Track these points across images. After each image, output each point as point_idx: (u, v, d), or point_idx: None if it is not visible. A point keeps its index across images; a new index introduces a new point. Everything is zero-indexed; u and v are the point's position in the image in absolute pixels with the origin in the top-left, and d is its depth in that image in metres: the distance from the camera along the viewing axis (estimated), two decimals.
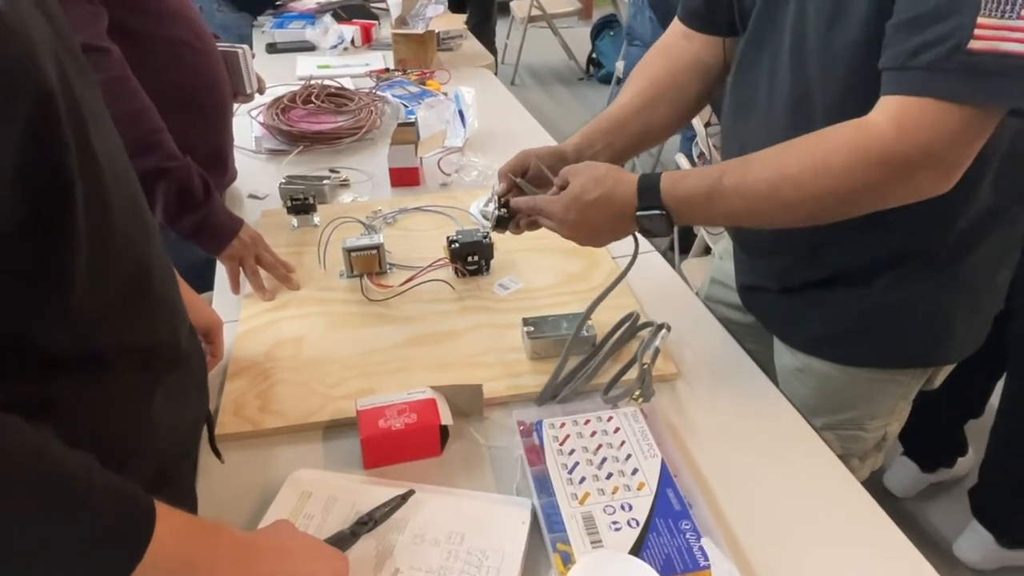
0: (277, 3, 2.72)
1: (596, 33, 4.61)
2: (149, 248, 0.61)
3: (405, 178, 1.46)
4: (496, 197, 0.95)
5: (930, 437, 1.73)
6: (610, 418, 0.86)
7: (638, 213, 0.80)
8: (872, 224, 0.77)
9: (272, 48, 2.35)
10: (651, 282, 1.17)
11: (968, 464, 1.80)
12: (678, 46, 1.02)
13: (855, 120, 0.71)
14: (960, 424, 1.74)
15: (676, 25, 1.04)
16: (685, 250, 2.47)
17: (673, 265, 2.52)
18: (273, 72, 2.11)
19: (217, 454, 0.81)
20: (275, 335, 1.04)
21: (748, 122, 0.91)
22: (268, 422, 0.89)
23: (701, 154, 2.20)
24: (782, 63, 0.83)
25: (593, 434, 0.84)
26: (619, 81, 3.51)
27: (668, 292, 1.18)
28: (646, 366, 0.89)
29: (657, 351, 0.93)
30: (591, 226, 0.84)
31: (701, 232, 1.90)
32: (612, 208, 0.81)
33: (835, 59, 0.76)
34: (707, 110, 2.13)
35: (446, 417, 0.85)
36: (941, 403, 1.63)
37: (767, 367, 1.04)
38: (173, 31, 1.13)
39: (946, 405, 1.60)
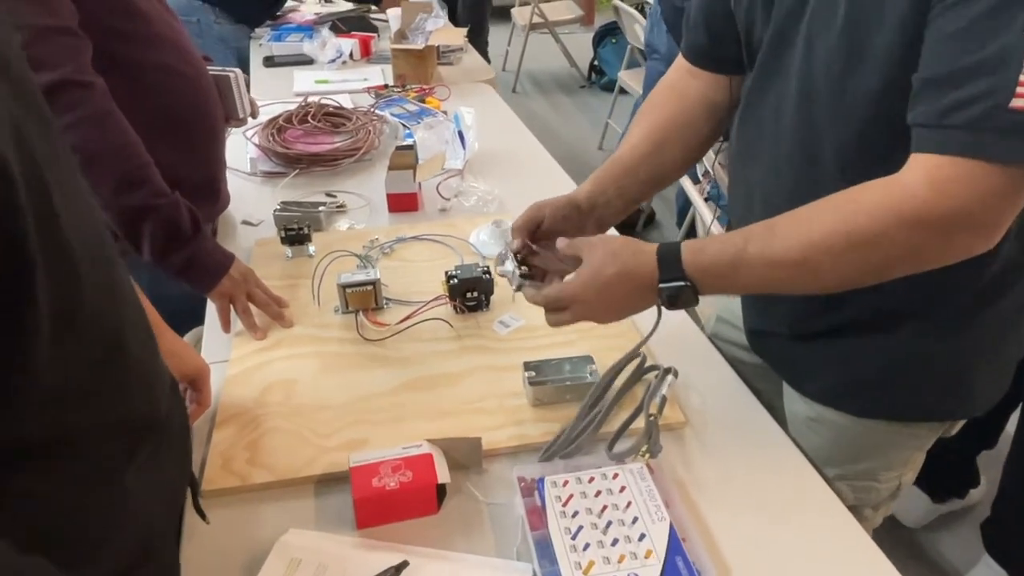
0: (276, 15, 2.68)
1: (598, 40, 4.58)
2: (123, 315, 0.57)
3: (403, 204, 1.42)
4: (513, 255, 0.89)
5: (942, 468, 1.68)
6: (615, 475, 0.82)
7: (661, 285, 0.75)
8: None
9: (269, 62, 2.31)
10: (655, 313, 1.12)
11: (980, 494, 1.75)
12: (684, 83, 0.98)
13: (884, 179, 0.66)
14: (974, 455, 1.70)
15: (681, 61, 1.00)
16: None
17: None
18: (270, 88, 2.08)
19: (202, 515, 0.77)
20: (266, 378, 1.00)
21: (755, 167, 0.88)
22: (257, 476, 0.85)
23: (706, 173, 2.16)
24: (788, 106, 0.80)
25: (598, 494, 0.79)
26: (622, 91, 3.48)
27: (674, 328, 1.13)
28: (653, 417, 0.85)
29: (664, 400, 0.89)
30: (612, 303, 0.80)
31: None
32: (633, 282, 0.77)
33: (848, 107, 0.73)
34: None
35: (443, 474, 0.81)
36: (955, 435, 1.60)
37: (776, 406, 1.00)
38: (161, 57, 1.10)
39: (959, 437, 1.55)
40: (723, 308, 1.16)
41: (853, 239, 0.66)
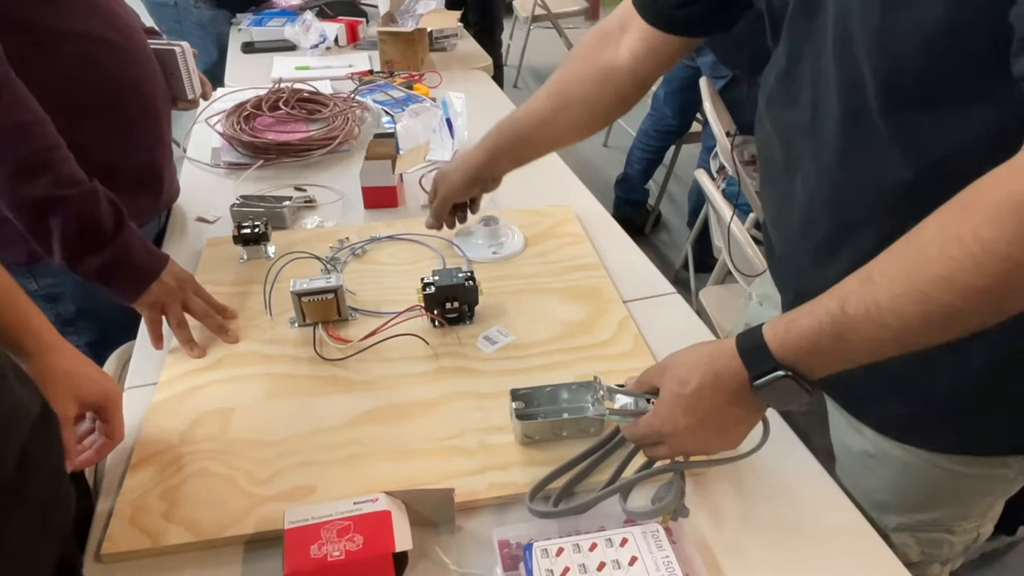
0: (261, 1, 2.51)
1: None
2: None
3: (380, 199, 1.25)
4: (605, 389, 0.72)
5: None
6: (624, 541, 0.64)
7: (755, 384, 0.60)
8: None
9: (249, 48, 2.14)
10: (670, 330, 0.95)
11: None
12: (614, 41, 0.91)
13: (1000, 168, 0.48)
14: None
15: (620, 14, 0.90)
16: (703, 268, 2.25)
17: (688, 289, 2.31)
18: (246, 74, 1.91)
19: None
20: (199, 405, 0.83)
21: (793, 149, 0.72)
22: (173, 536, 0.68)
23: (721, 168, 1.98)
24: (827, 69, 0.64)
25: (601, 567, 0.62)
26: None
27: (690, 341, 0.96)
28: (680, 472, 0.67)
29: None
30: (707, 421, 0.63)
31: (723, 256, 1.68)
32: (722, 389, 0.62)
33: (896, 53, 0.56)
34: (727, 117, 1.91)
35: (404, 539, 0.63)
36: None
37: (816, 442, 0.82)
38: (85, 24, 0.92)
39: None
40: (752, 315, 0.98)
41: (985, 258, 0.48)
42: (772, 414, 0.82)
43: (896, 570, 0.68)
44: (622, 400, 0.70)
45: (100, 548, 0.67)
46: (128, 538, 0.68)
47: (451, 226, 1.10)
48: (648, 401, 0.68)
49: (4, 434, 0.48)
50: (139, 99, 1.02)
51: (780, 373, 0.58)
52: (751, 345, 0.60)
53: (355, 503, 0.66)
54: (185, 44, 1.11)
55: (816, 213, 0.71)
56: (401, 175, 1.28)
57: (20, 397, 0.51)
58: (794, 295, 0.81)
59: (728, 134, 1.79)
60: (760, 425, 0.67)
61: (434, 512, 0.69)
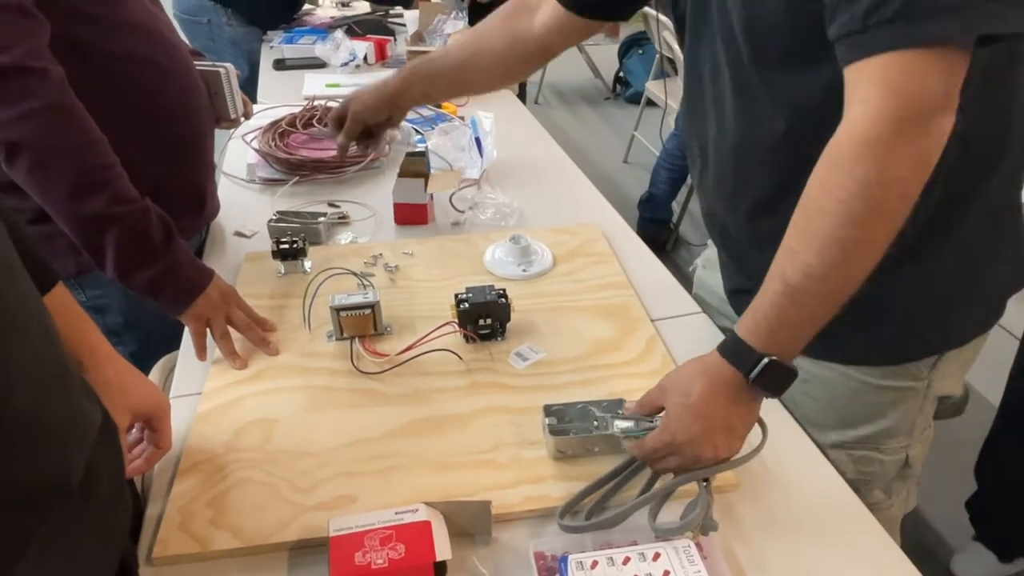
0: (292, 18, 2.58)
1: (624, 51, 4.44)
2: (12, 354, 0.43)
3: (412, 216, 1.28)
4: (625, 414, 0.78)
5: (1009, 523, 1.50)
6: (656, 555, 0.66)
7: (750, 377, 0.68)
8: None
9: (280, 65, 2.19)
10: (697, 349, 0.96)
11: None
12: (527, 11, 1.04)
13: (834, 135, 0.63)
14: None
15: None
16: None
17: None
18: (278, 90, 1.96)
19: None
20: (242, 416, 0.86)
21: (703, 122, 0.87)
22: (220, 541, 0.71)
23: None
24: (718, 51, 0.80)
25: None
26: (649, 102, 3.33)
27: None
28: (706, 484, 0.69)
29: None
30: (717, 423, 0.69)
31: None
32: (721, 392, 0.69)
33: (759, 27, 0.73)
34: None
35: (443, 549, 0.66)
36: (1021, 485, 1.43)
37: None
38: (136, 47, 0.96)
39: None
40: (698, 280, 1.14)
41: (864, 188, 0.61)
42: (805, 443, 0.85)
43: None
44: (622, 424, 0.76)
45: (151, 552, 0.70)
46: (178, 542, 0.71)
47: (361, 152, 1.30)
48: (650, 420, 0.74)
49: (75, 443, 0.51)
50: (186, 119, 1.06)
51: (766, 360, 0.67)
52: (733, 347, 0.69)
53: (396, 513, 0.68)
54: (229, 65, 1.15)
55: (722, 169, 0.86)
56: (431, 194, 1.32)
57: (86, 408, 0.54)
58: (720, 240, 0.97)
59: None
60: (758, 428, 0.74)
61: (471, 523, 0.71)
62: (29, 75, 0.78)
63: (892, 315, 0.83)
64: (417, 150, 1.40)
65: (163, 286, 0.89)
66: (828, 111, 0.65)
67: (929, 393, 0.90)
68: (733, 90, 0.80)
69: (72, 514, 0.49)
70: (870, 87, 0.61)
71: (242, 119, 1.24)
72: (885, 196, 0.61)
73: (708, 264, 1.11)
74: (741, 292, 0.97)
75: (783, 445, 0.83)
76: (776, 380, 0.68)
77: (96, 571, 0.54)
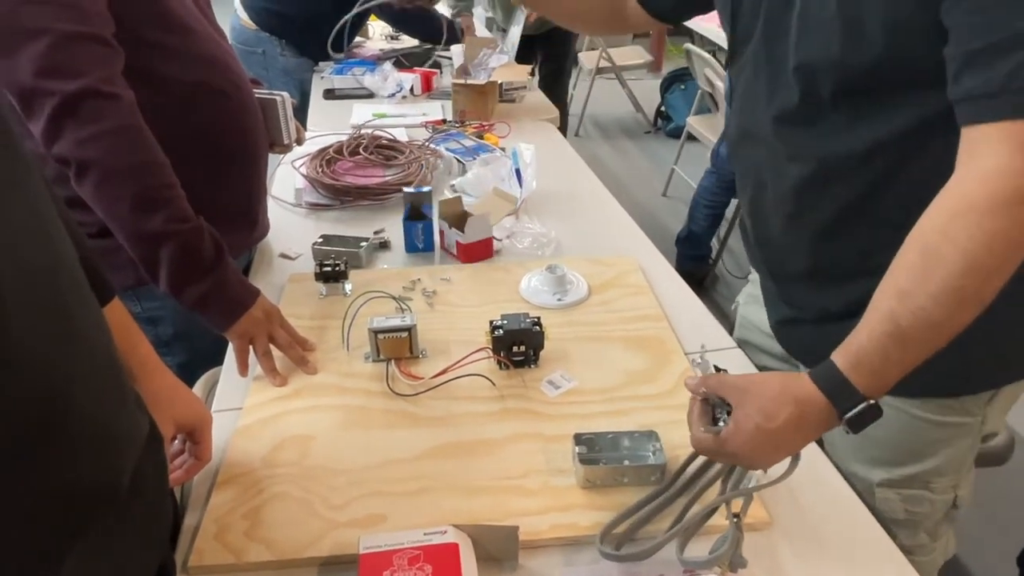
0: (342, 50, 2.67)
1: (666, 86, 4.46)
2: (73, 358, 0.46)
3: (478, 252, 1.27)
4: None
5: None
6: None
7: (846, 418, 0.66)
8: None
9: (330, 94, 2.27)
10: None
11: None
12: None
13: (950, 186, 0.65)
14: None
15: None
16: None
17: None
18: (327, 119, 2.03)
19: None
20: (280, 431, 0.88)
21: (761, 147, 0.87)
22: (254, 553, 0.72)
23: None
24: (789, 79, 0.80)
25: None
26: (690, 137, 3.34)
27: None
28: (736, 520, 0.69)
29: (750, 497, 0.71)
30: (783, 449, 0.70)
31: None
32: (807, 425, 0.68)
33: (844, 70, 0.74)
34: None
35: (470, 571, 0.66)
36: None
37: None
38: (201, 75, 1.02)
39: None
40: (741, 315, 1.12)
41: (993, 242, 0.62)
42: (842, 488, 0.83)
43: None
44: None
45: (186, 560, 0.72)
46: (213, 553, 0.73)
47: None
48: (728, 413, 0.71)
49: (125, 450, 0.53)
50: (243, 144, 1.11)
51: (865, 405, 0.65)
52: (834, 384, 0.66)
53: (425, 534, 0.69)
54: (285, 94, 1.21)
55: (783, 193, 0.85)
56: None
57: (136, 417, 0.57)
58: (769, 267, 0.96)
59: None
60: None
61: (498, 548, 0.72)
62: (102, 99, 0.84)
63: (953, 346, 0.79)
64: (452, 197, 1.40)
65: (211, 302, 0.92)
66: (910, 145, 0.71)
67: (982, 430, 0.89)
68: (804, 120, 0.80)
69: (118, 518, 0.51)
70: (1005, 144, 0.62)
71: (294, 145, 1.29)
72: (1013, 253, 0.63)
73: (750, 300, 1.10)
74: (788, 322, 0.96)
75: (816, 484, 0.82)
76: (866, 420, 0.66)
77: (136, 573, 0.56)
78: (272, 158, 1.58)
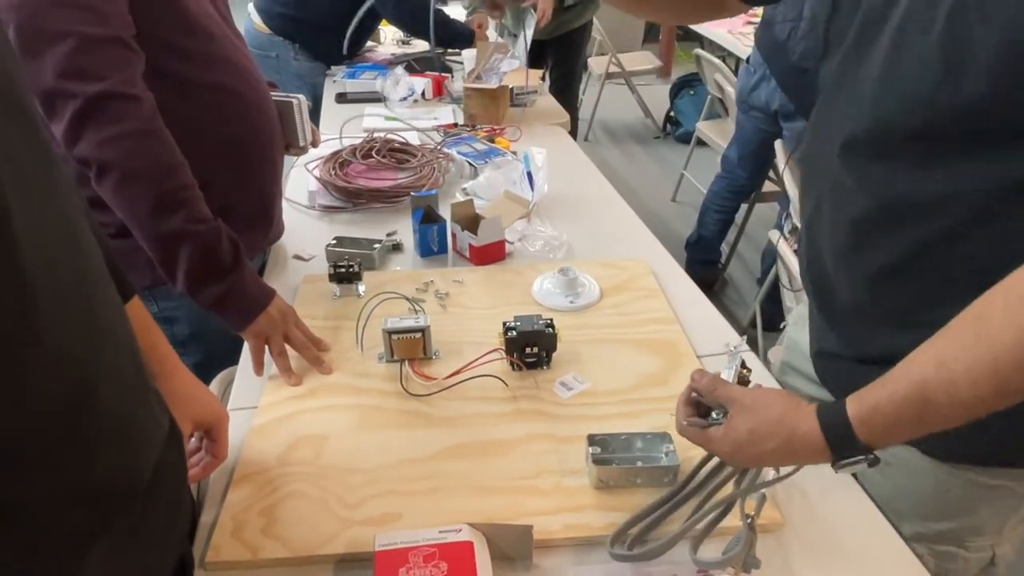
0: (355, 54, 2.69)
1: (675, 92, 4.47)
2: (99, 355, 0.47)
3: (491, 254, 1.28)
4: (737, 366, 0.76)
5: None
6: None
7: (841, 463, 0.63)
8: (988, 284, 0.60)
9: (342, 98, 2.29)
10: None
11: None
12: None
13: None
14: None
15: None
16: (771, 327, 2.24)
17: (756, 347, 2.29)
18: (339, 122, 2.04)
19: None
20: (295, 430, 0.89)
21: (824, 178, 0.79)
22: (270, 550, 0.73)
23: (794, 228, 1.98)
24: (864, 112, 0.71)
25: None
26: (699, 142, 3.34)
27: None
28: (750, 520, 0.69)
29: (764, 498, 0.72)
30: (761, 463, 0.69)
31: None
32: (793, 455, 0.65)
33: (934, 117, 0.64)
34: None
35: (485, 570, 0.67)
36: None
37: None
38: (220, 78, 1.03)
39: None
40: (789, 337, 1.03)
41: None
42: (857, 494, 0.83)
43: None
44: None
45: (203, 556, 0.73)
46: (230, 549, 0.73)
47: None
48: (714, 418, 0.71)
49: (146, 447, 0.54)
50: (259, 145, 1.12)
51: (861, 458, 0.61)
52: (838, 431, 0.62)
53: (440, 532, 0.70)
54: (301, 97, 1.22)
55: (840, 226, 0.77)
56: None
57: (157, 414, 0.58)
58: (817, 295, 0.87)
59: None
60: None
61: (512, 547, 0.72)
62: (123, 101, 0.85)
63: (1001, 415, 0.72)
64: (464, 199, 1.41)
65: (228, 302, 0.93)
66: (996, 204, 0.62)
67: None
68: (874, 153, 0.71)
69: (138, 513, 0.52)
70: None
71: (310, 147, 1.31)
72: None
73: (799, 321, 1.01)
74: (830, 356, 0.88)
75: (830, 486, 0.82)
76: (859, 468, 0.63)
77: (157, 569, 0.57)
78: (285, 161, 1.60)
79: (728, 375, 0.74)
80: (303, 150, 1.30)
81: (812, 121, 0.82)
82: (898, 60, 0.66)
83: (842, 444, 0.62)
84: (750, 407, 0.67)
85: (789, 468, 0.69)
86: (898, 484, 0.80)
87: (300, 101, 1.22)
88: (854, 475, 0.82)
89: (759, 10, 3.81)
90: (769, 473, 0.73)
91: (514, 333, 0.97)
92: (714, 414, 0.71)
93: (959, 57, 0.60)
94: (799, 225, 0.94)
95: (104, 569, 0.47)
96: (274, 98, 1.19)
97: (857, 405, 0.62)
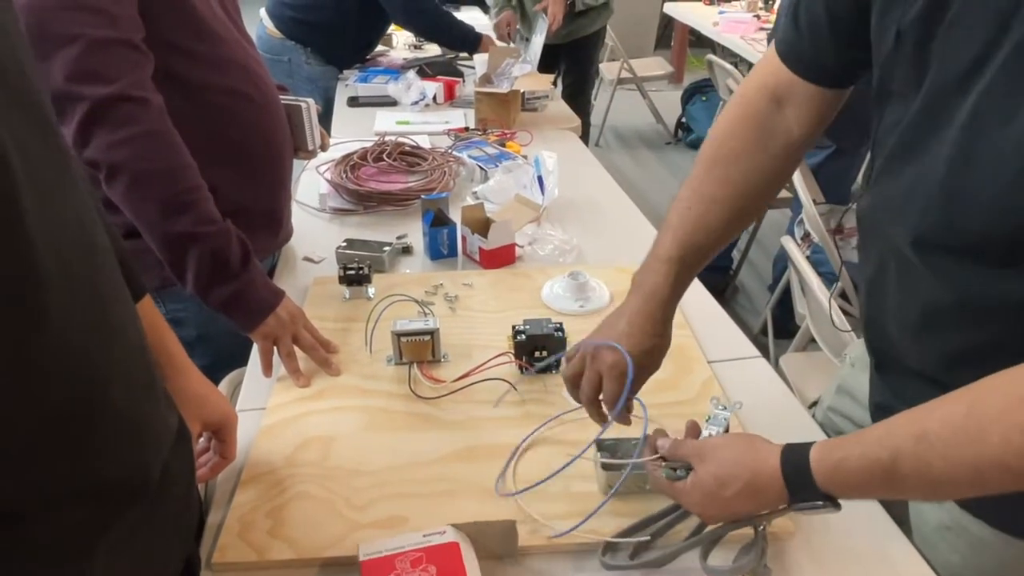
0: (366, 58, 2.70)
1: (687, 98, 4.46)
2: (108, 354, 0.47)
3: (501, 257, 1.28)
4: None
5: None
6: None
7: (796, 507, 0.63)
8: None
9: (354, 102, 2.30)
10: (753, 394, 0.96)
11: None
12: (768, 116, 0.81)
13: None
14: None
15: (763, 78, 0.82)
16: (782, 335, 2.22)
17: (767, 354, 2.27)
18: (351, 126, 2.05)
19: None
20: (303, 432, 0.89)
21: (884, 239, 0.72)
22: (276, 551, 0.73)
23: (806, 235, 1.97)
24: (927, 192, 0.63)
25: None
26: None
27: (775, 406, 0.96)
28: (761, 529, 0.68)
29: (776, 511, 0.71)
30: (734, 514, 0.67)
31: (807, 321, 1.67)
32: (758, 500, 0.65)
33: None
34: (815, 187, 1.91)
35: (472, 569, 0.66)
36: None
37: (901, 515, 0.81)
38: (229, 81, 1.04)
39: None
40: (846, 377, 0.97)
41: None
42: (869, 504, 0.82)
43: None
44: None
45: (210, 557, 0.73)
46: (236, 550, 0.73)
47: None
48: (677, 471, 0.70)
49: (156, 445, 0.54)
50: (268, 148, 1.12)
51: (819, 503, 0.61)
52: (797, 475, 0.61)
53: (424, 535, 0.70)
54: (310, 100, 1.23)
55: (908, 317, 0.72)
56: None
57: (166, 413, 0.58)
58: (876, 359, 0.82)
59: (814, 202, 1.79)
60: None
61: (497, 543, 0.72)
62: (132, 104, 0.85)
63: None
64: (474, 204, 1.41)
65: (237, 304, 0.94)
66: None
67: None
68: (948, 249, 0.64)
69: (147, 512, 0.52)
70: None
71: (319, 151, 1.31)
72: None
73: (857, 363, 0.95)
74: (888, 410, 0.79)
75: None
76: (820, 512, 0.62)
77: (164, 568, 0.57)
78: (296, 164, 1.60)
79: (709, 434, 0.73)
80: (312, 154, 1.30)
81: (876, 177, 0.72)
82: (973, 159, 0.58)
83: (801, 489, 0.61)
84: (711, 454, 0.67)
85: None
86: (963, 554, 0.77)
87: (309, 105, 1.22)
88: (916, 546, 0.78)
89: (771, 15, 3.81)
90: None
91: (523, 336, 0.97)
92: (678, 472, 0.70)
93: None
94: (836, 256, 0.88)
95: (112, 563, 0.47)
96: (283, 102, 1.19)
97: (822, 456, 0.61)
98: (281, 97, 1.19)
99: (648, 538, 0.73)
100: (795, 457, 0.62)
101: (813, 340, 1.65)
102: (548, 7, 2.80)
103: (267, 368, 0.98)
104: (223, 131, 1.04)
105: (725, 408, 0.76)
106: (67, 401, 0.43)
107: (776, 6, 3.09)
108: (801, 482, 0.61)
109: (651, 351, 0.80)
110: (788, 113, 0.81)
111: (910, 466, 0.56)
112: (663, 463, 0.71)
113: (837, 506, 0.61)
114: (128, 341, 0.50)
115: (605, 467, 0.79)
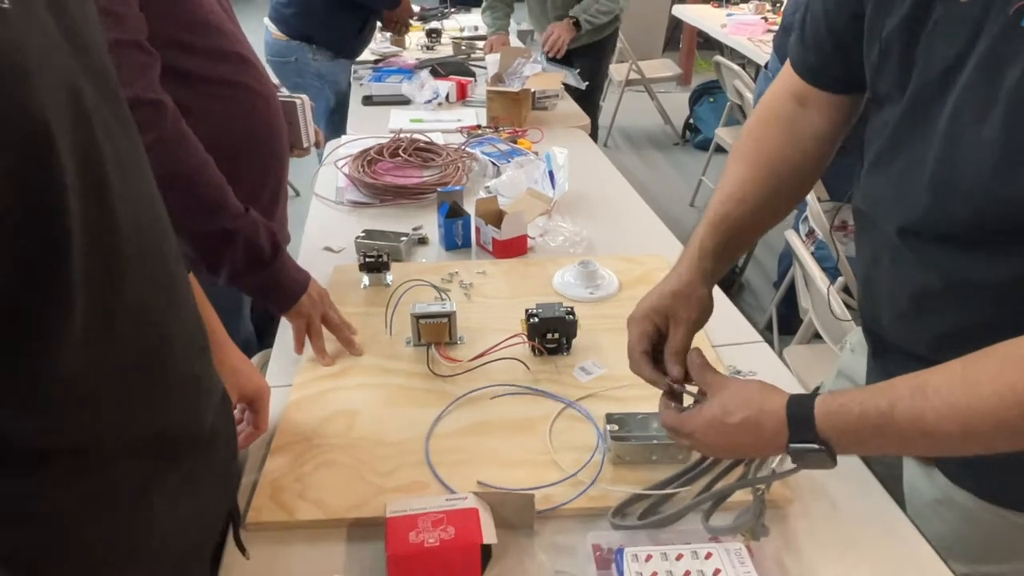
0: (377, 60, 2.75)
1: (695, 99, 4.51)
2: (174, 318, 0.52)
3: (513, 248, 1.33)
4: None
5: None
6: (708, 555, 0.70)
7: (791, 446, 0.66)
8: None
9: (368, 100, 2.36)
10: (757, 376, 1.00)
11: None
12: (793, 114, 0.87)
13: None
14: None
15: (785, 85, 0.88)
16: (787, 331, 2.26)
17: (772, 346, 2.32)
18: (365, 123, 2.11)
19: (242, 549, 0.70)
20: (328, 406, 0.94)
21: (878, 236, 0.77)
22: (306, 512, 0.78)
23: (811, 232, 2.01)
24: (918, 183, 0.68)
25: (687, 575, 0.68)
26: (719, 148, 3.37)
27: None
28: (760, 492, 0.73)
29: (774, 473, 0.75)
30: (734, 448, 0.72)
31: (810, 313, 1.71)
32: (758, 435, 0.68)
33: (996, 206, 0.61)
34: (819, 184, 1.96)
35: (489, 534, 0.71)
36: None
37: (895, 491, 0.85)
38: (229, 72, 1.07)
39: None
40: (846, 362, 1.01)
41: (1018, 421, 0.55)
42: (863, 473, 0.86)
43: None
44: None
45: (244, 518, 0.78)
46: (269, 511, 0.78)
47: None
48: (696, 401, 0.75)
49: (207, 402, 0.59)
50: (270, 142, 1.17)
51: (815, 446, 0.64)
52: (800, 415, 0.65)
53: (447, 499, 0.75)
54: (305, 97, 1.27)
55: (899, 302, 0.76)
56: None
57: (214, 377, 0.63)
58: (873, 344, 0.86)
59: (819, 200, 1.83)
60: None
61: (514, 515, 0.76)
62: (148, 107, 0.87)
63: None
64: (488, 197, 1.46)
65: (272, 289, 0.98)
66: None
67: None
68: (934, 237, 0.68)
69: (200, 460, 0.57)
70: None
71: (313, 149, 1.35)
72: None
73: (857, 348, 0.99)
74: None
75: (839, 465, 0.85)
76: (810, 461, 0.65)
77: (213, 518, 0.62)
78: (314, 158, 1.66)
79: None
80: (306, 151, 1.35)
81: (870, 164, 0.78)
82: (954, 150, 0.63)
83: (799, 427, 0.64)
84: (728, 386, 0.71)
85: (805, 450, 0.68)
86: (953, 525, 0.80)
87: (304, 101, 1.26)
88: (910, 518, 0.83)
89: (778, 17, 3.84)
90: (787, 461, 0.76)
91: (536, 319, 1.02)
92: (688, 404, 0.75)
93: (1018, 147, 0.58)
94: (838, 252, 0.92)
95: (169, 507, 0.52)
96: (280, 99, 1.23)
97: (827, 401, 0.64)
98: (277, 94, 1.23)
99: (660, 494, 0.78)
100: (801, 399, 0.66)
101: (817, 335, 1.69)
102: (553, 33, 2.86)
103: (299, 346, 1.03)
104: (227, 124, 1.07)
105: (739, 373, 0.80)
106: (141, 354, 0.48)
107: (783, 8, 3.13)
108: (802, 424, 0.64)
109: (702, 300, 0.84)
110: (812, 111, 0.86)
111: (905, 415, 0.60)
112: (673, 404, 0.77)
113: (832, 458, 0.64)
114: (189, 311, 0.56)
115: (614, 437, 0.84)
